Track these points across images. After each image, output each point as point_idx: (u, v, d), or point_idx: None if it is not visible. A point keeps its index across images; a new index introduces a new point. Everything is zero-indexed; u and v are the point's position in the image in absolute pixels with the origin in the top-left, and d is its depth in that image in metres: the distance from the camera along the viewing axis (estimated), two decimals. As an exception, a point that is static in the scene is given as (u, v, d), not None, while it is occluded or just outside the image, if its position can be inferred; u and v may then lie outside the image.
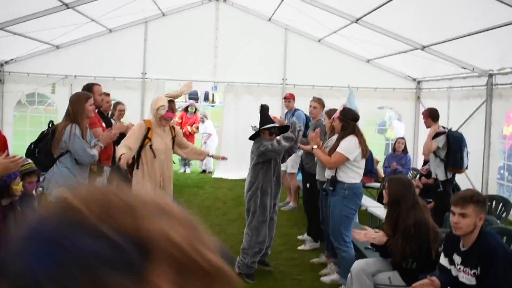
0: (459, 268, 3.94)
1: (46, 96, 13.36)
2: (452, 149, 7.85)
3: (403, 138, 11.19)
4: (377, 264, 4.81)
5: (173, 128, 6.43)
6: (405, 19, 9.26)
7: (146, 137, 5.97)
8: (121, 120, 8.69)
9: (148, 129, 6.01)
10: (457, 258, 3.99)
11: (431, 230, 4.57)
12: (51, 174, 5.65)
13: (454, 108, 10.99)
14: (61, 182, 5.60)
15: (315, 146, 6.09)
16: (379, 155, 13.61)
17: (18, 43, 11.21)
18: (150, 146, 5.95)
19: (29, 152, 5.82)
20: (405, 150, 10.80)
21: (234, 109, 13.55)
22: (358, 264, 4.82)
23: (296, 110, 9.96)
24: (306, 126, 9.63)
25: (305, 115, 9.67)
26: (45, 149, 5.68)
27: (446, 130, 7.98)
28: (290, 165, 10.09)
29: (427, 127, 8.25)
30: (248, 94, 13.41)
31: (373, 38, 10.53)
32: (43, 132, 6.08)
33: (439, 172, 7.98)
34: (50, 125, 6.08)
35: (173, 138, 6.32)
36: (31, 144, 5.96)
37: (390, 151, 11.07)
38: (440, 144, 7.84)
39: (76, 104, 5.77)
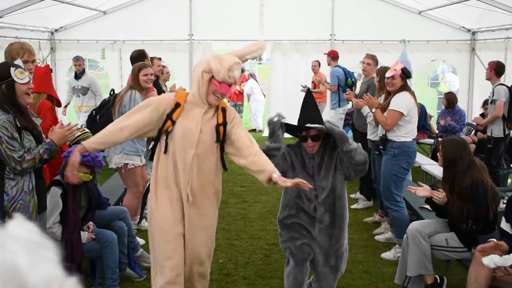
0: None
1: (96, 61, 13.58)
2: None
3: (452, 92, 10.74)
4: (434, 225, 4.71)
5: (225, 110, 3.92)
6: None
7: (168, 118, 3.74)
8: (167, 83, 8.70)
9: (177, 105, 3.76)
10: None
11: (489, 190, 4.43)
12: None
13: (511, 60, 10.52)
14: (120, 148, 5.79)
15: (373, 110, 5.94)
16: (432, 110, 13.29)
17: (66, 11, 11.37)
18: (168, 134, 3.76)
19: (91, 119, 6.02)
20: (452, 105, 10.26)
21: (282, 67, 13.40)
22: (413, 225, 4.73)
23: (335, 67, 9.78)
24: (345, 82, 9.50)
25: (345, 71, 9.47)
26: (106, 115, 5.81)
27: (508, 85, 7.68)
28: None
29: (487, 78, 7.90)
30: (296, 52, 13.22)
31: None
32: (104, 99, 6.26)
33: (495, 128, 7.70)
34: (112, 93, 6.23)
35: (222, 127, 3.86)
36: (93, 110, 6.16)
37: (442, 106, 10.67)
38: (503, 99, 7.56)
39: (132, 73, 5.96)
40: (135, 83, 5.88)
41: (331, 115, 10.00)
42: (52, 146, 3.69)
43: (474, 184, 4.38)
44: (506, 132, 7.73)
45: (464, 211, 4.36)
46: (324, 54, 10.49)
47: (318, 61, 12.15)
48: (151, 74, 6.06)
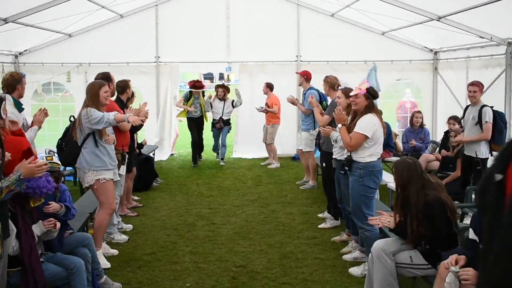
0: None
1: (62, 84, 13.42)
2: (499, 127, 7.73)
3: (420, 112, 10.94)
4: (398, 243, 4.75)
5: None
6: (419, -11, 9.08)
7: None
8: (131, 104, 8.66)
9: None
10: None
11: (447, 206, 4.50)
12: (79, 162, 5.98)
13: (472, 78, 10.65)
14: (87, 167, 5.95)
15: (339, 125, 5.94)
16: (398, 129, 13.50)
17: (31, 34, 11.26)
18: None
19: (59, 148, 6.15)
20: (421, 124, 10.56)
21: (249, 88, 13.47)
22: (378, 243, 4.77)
23: (309, 89, 9.81)
24: (321, 105, 9.54)
25: (319, 93, 9.54)
26: (71, 141, 5.96)
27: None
28: (305, 143, 10.04)
29: (474, 101, 7.90)
30: (262, 73, 13.31)
31: (388, 10, 10.34)
32: (67, 127, 6.26)
33: (481, 150, 7.79)
34: (71, 119, 6.24)
35: None
36: (59, 140, 6.21)
37: (407, 125, 10.84)
38: (491, 121, 7.70)
39: (91, 91, 6.00)
40: (94, 100, 5.92)
41: (305, 136, 10.01)
42: (21, 178, 3.69)
43: (429, 203, 4.45)
44: (491, 153, 7.86)
45: (420, 232, 4.45)
46: (297, 73, 10.53)
47: (266, 83, 12.32)
48: (110, 92, 6.37)
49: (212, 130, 13.12)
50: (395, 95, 15.23)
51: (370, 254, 4.78)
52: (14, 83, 6.23)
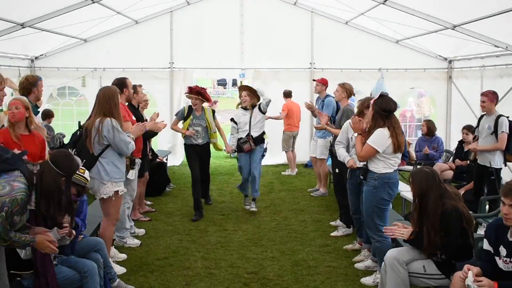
0: (506, 260, 3.87)
1: (76, 89, 13.53)
2: None
3: (429, 121, 10.79)
4: (411, 252, 4.72)
5: None
6: (434, -2, 9.05)
7: None
8: (145, 111, 8.69)
9: None
10: (503, 250, 3.91)
11: (464, 217, 4.47)
12: (95, 172, 5.67)
13: (487, 87, 10.58)
14: (107, 178, 5.69)
15: (355, 134, 5.91)
16: (410, 137, 13.44)
17: (47, 39, 11.37)
18: None
19: None
20: (431, 133, 10.34)
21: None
22: (391, 253, 4.74)
23: (327, 96, 9.76)
24: (337, 113, 9.51)
25: (337, 102, 9.53)
26: (84, 149, 5.67)
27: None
28: (320, 151, 10.01)
29: (486, 110, 7.84)
30: (276, 80, 13.34)
31: (402, 19, 10.32)
32: (74, 133, 6.11)
33: (496, 159, 7.73)
34: (80, 126, 6.13)
35: None
36: (67, 147, 6.01)
37: (420, 134, 10.75)
38: (507, 131, 7.63)
39: (113, 99, 5.73)
40: (116, 109, 5.71)
41: (320, 143, 9.97)
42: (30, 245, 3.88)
43: (447, 213, 4.42)
44: (505, 163, 7.81)
45: (436, 242, 4.41)
46: (314, 80, 10.46)
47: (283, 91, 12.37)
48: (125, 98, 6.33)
49: (236, 157, 10.66)
50: (408, 104, 15.15)
51: (383, 263, 4.76)
52: (30, 86, 6.25)
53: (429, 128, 10.33)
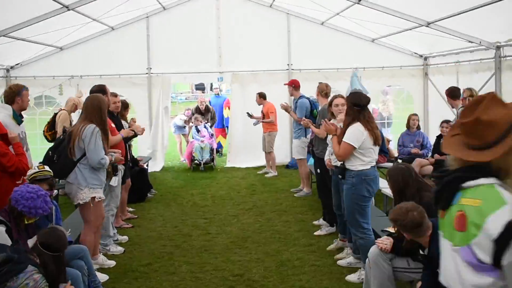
0: None
1: (53, 97, 13.40)
2: None
3: (416, 114, 10.85)
4: (394, 247, 4.76)
5: None
6: (408, -4, 9.16)
7: None
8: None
9: None
10: None
11: None
12: (73, 177, 5.73)
13: (463, 82, 10.83)
14: (84, 184, 5.70)
15: (330, 136, 5.97)
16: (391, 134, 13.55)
17: (22, 47, 11.23)
18: None
19: (48, 159, 5.87)
20: (418, 127, 10.56)
21: (241, 97, 13.52)
22: (375, 249, 4.78)
23: (300, 97, 9.87)
24: (312, 113, 9.59)
25: (310, 101, 9.62)
26: (64, 154, 5.73)
27: None
28: (296, 151, 10.08)
29: (451, 105, 8.09)
30: (254, 82, 13.37)
31: (377, 18, 10.42)
32: (58, 137, 6.14)
33: None
34: (64, 131, 6.13)
35: None
36: (49, 150, 6.00)
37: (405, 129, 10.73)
38: None
39: (101, 107, 5.82)
40: (102, 117, 5.80)
41: (296, 144, 10.06)
42: None
43: (425, 205, 4.48)
44: None
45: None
46: (285, 84, 10.55)
47: (258, 93, 12.42)
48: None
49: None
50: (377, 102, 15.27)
51: (367, 259, 4.79)
52: (13, 95, 6.15)
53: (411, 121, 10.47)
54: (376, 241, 4.86)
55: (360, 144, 5.54)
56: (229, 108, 15.66)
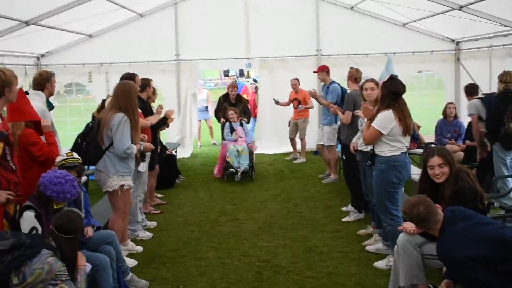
0: None
1: (83, 85, 13.57)
2: None
3: (452, 103, 10.47)
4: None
5: None
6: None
7: None
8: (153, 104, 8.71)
9: None
10: None
11: (478, 195, 4.43)
12: (102, 165, 5.77)
13: (496, 67, 10.57)
14: (113, 172, 5.75)
15: (365, 120, 5.88)
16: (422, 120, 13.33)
17: (52, 36, 11.38)
18: None
19: (76, 146, 5.93)
20: (455, 116, 10.16)
21: (270, 84, 13.45)
22: (403, 235, 4.69)
23: (331, 83, 9.70)
24: (342, 100, 9.45)
25: (341, 87, 9.47)
26: (93, 141, 5.78)
27: None
28: (327, 137, 9.97)
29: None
30: (283, 68, 13.28)
31: (408, 1, 10.24)
32: (87, 124, 6.18)
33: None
34: (93, 118, 6.17)
35: None
36: (78, 137, 6.06)
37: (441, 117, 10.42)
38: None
39: (131, 94, 5.83)
40: (133, 104, 5.78)
41: (326, 130, 9.93)
42: None
43: (461, 189, 4.40)
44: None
45: None
46: (314, 72, 10.35)
47: (297, 79, 12.27)
48: None
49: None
50: (417, 87, 15.02)
51: (396, 246, 4.71)
52: (44, 82, 6.18)
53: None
54: (401, 227, 4.76)
55: (389, 132, 5.45)
56: (247, 96, 15.63)
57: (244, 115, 11.64)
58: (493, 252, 3.65)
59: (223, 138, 11.55)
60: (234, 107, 11.47)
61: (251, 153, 10.88)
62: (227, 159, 10.55)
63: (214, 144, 15.68)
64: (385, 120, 5.45)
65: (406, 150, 5.68)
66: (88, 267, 4.36)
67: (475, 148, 8.95)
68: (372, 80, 6.56)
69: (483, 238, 3.73)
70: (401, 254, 4.59)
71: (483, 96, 8.39)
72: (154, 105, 8.62)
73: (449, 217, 3.98)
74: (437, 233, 4.04)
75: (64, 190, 4.41)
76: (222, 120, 11.56)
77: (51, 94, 6.37)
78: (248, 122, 11.76)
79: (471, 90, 8.96)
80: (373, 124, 5.50)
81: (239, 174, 10.30)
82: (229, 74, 23.43)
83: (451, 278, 3.95)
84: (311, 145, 13.09)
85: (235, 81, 16.90)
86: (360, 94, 6.81)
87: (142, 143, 6.13)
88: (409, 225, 4.57)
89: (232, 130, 11.22)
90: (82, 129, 6.19)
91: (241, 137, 11.10)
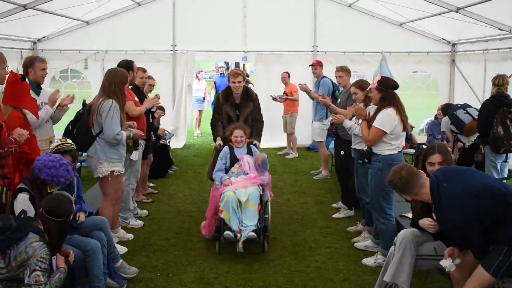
0: None
1: (79, 71, 13.54)
2: None
3: (446, 104, 10.58)
4: (422, 234, 4.63)
5: None
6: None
7: None
8: (149, 94, 8.73)
9: None
10: None
11: None
12: (93, 151, 5.85)
13: (491, 71, 10.66)
14: (103, 158, 5.82)
15: (360, 120, 5.95)
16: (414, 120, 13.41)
17: (49, 21, 11.36)
18: None
19: (67, 133, 5.98)
20: None
21: (265, 78, 13.48)
22: (407, 234, 4.60)
23: (322, 77, 9.79)
24: (333, 95, 9.51)
25: (332, 82, 9.53)
26: (83, 128, 5.84)
27: None
28: (317, 133, 10.02)
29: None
30: (278, 63, 13.30)
31: (405, 1, 10.29)
32: (78, 111, 6.21)
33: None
34: (84, 105, 6.20)
35: None
36: (68, 124, 6.10)
37: (432, 118, 10.48)
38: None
39: (118, 81, 5.87)
40: (121, 90, 5.85)
41: (316, 126, 10.00)
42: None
43: None
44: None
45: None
46: (310, 65, 10.40)
47: (287, 72, 12.33)
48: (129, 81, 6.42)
49: None
50: (412, 87, 15.10)
51: (397, 242, 4.65)
52: (26, 66, 6.16)
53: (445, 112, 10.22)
54: (423, 225, 4.69)
55: (392, 130, 5.51)
56: None
57: (254, 130, 7.35)
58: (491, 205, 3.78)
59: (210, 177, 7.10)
60: (239, 110, 7.28)
61: (263, 203, 6.31)
62: (221, 215, 6.10)
63: (199, 134, 15.82)
64: (388, 119, 5.53)
65: (402, 148, 5.76)
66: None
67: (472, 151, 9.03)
68: (354, 84, 6.68)
69: (479, 190, 3.81)
70: (399, 250, 4.54)
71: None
72: (151, 95, 8.63)
73: (440, 176, 4.01)
74: (426, 197, 4.05)
75: (59, 174, 4.44)
76: (218, 142, 7.12)
77: (36, 80, 6.20)
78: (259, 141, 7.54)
79: (447, 110, 8.93)
80: (376, 124, 5.55)
81: (240, 243, 5.90)
82: (218, 66, 23.01)
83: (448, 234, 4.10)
84: (303, 140, 13.15)
85: (222, 73, 16.60)
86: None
87: (131, 129, 6.18)
88: (427, 221, 4.54)
89: (234, 160, 6.79)
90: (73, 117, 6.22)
91: (246, 173, 6.57)
